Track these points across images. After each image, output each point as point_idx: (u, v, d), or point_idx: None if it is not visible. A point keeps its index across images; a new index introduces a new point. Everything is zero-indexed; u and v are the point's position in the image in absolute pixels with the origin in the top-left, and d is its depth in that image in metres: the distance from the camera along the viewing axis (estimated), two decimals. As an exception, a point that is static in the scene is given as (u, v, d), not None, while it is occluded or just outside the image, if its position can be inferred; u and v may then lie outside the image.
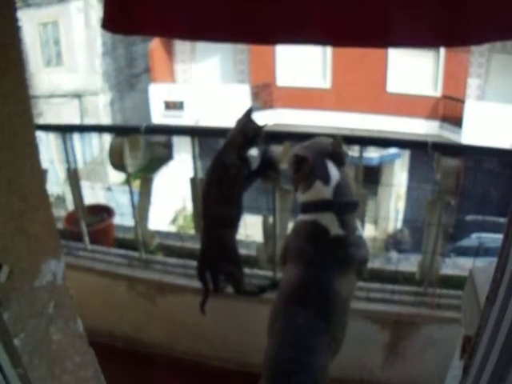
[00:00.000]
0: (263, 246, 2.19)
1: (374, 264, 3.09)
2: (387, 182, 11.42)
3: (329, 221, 1.47)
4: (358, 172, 1.98)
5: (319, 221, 1.48)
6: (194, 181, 2.17)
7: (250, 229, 2.21)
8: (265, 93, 11.53)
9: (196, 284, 2.03)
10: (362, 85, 10.70)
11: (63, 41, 12.48)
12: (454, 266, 3.19)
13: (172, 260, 2.43)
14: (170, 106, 11.67)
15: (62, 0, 12.02)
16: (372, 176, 10.40)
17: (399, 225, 10.65)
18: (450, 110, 10.49)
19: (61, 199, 9.02)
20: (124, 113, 13.70)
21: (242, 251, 2.03)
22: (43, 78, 12.58)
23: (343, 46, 2.70)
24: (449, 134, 10.44)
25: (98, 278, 2.38)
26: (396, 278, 2.57)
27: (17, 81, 0.84)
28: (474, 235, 7.90)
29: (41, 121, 11.59)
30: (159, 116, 11.77)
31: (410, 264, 3.03)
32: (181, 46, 11.93)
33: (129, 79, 13.81)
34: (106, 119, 12.99)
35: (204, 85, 11.97)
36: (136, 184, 2.48)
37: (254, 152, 1.86)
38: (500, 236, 0.74)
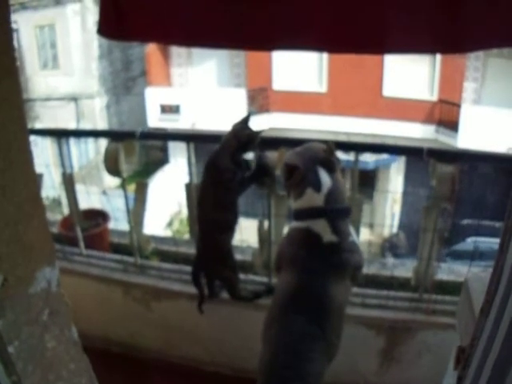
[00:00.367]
0: (258, 251, 2.19)
1: (370, 270, 3.10)
2: (383, 186, 11.44)
3: (321, 227, 1.47)
4: (354, 176, 1.99)
5: (312, 228, 1.48)
6: (189, 186, 2.17)
7: (246, 233, 2.21)
8: (261, 97, 11.54)
9: (191, 289, 2.02)
10: (358, 89, 10.72)
11: (59, 44, 12.50)
12: (450, 271, 3.20)
13: (167, 265, 2.43)
14: (166, 109, 11.67)
15: (59, 3, 12.05)
16: (368, 180, 10.41)
17: (395, 229, 10.67)
18: (446, 114, 10.52)
19: (56, 202, 9.02)
20: (120, 116, 13.70)
21: (238, 257, 2.02)
22: (40, 80, 12.60)
23: (340, 53, 2.70)
24: (445, 138, 10.47)
25: (93, 283, 2.37)
26: (391, 284, 2.57)
27: (11, 87, 0.83)
28: (470, 239, 7.94)
29: (37, 124, 11.59)
30: (155, 119, 11.79)
31: (405, 269, 3.04)
32: (177, 50, 11.93)
33: (125, 82, 13.82)
34: (102, 122, 13.01)
35: (200, 88, 11.98)
36: (131, 188, 2.47)
37: (249, 156, 1.86)
38: (495, 240, 0.74)
